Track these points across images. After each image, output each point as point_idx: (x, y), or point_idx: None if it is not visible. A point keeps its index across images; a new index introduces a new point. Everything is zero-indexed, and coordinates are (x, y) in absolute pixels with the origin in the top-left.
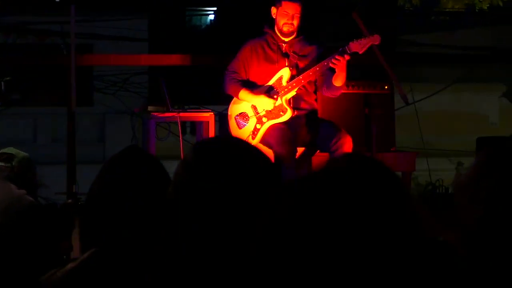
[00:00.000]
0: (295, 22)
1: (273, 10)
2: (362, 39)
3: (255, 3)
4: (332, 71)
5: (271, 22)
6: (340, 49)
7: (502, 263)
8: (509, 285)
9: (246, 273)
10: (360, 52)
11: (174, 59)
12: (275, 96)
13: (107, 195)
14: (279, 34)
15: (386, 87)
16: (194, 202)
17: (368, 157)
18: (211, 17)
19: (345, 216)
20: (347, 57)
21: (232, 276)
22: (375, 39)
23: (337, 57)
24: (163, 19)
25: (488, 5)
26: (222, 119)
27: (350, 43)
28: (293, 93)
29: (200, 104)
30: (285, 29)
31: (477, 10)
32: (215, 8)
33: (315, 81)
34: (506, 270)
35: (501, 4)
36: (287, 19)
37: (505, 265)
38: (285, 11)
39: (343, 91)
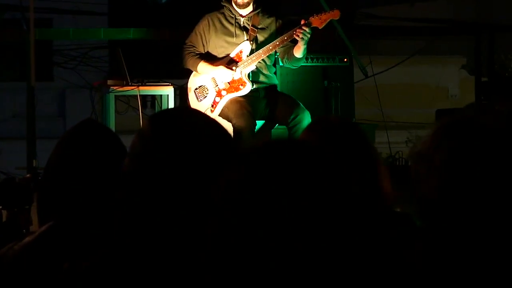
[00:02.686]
0: None
1: None
2: (322, 14)
3: None
4: (294, 42)
5: None
6: (303, 23)
7: (460, 232)
8: (466, 253)
9: (202, 246)
10: (320, 27)
11: (133, 33)
12: (234, 67)
13: (64, 168)
14: (235, 7)
15: (345, 59)
16: (149, 173)
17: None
18: None
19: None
20: (310, 30)
21: (188, 247)
22: (335, 14)
23: (302, 29)
24: None
25: None
26: (183, 93)
27: (310, 17)
28: (252, 66)
29: (161, 78)
30: (239, 1)
31: None
32: None
33: (275, 54)
34: (463, 239)
35: None
36: None
37: (462, 234)
38: None
39: (302, 64)
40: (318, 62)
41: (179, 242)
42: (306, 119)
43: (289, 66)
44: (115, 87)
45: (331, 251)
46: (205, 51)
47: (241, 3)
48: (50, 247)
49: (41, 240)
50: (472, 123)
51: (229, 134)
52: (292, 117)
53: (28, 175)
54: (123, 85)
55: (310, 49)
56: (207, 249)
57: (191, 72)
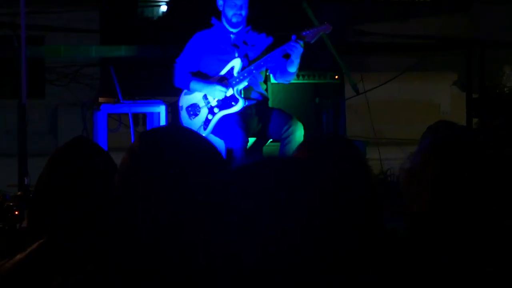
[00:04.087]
0: (243, 12)
1: (220, 2)
2: (313, 28)
3: None
4: (286, 57)
5: (218, 14)
6: (293, 37)
7: (449, 248)
8: (455, 269)
9: (194, 262)
10: (311, 42)
11: (125, 50)
12: (226, 84)
13: (54, 186)
14: (227, 25)
15: (336, 76)
16: (139, 191)
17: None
18: (163, 8)
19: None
20: (301, 45)
21: (178, 263)
22: (326, 28)
23: (293, 44)
24: (114, 10)
25: None
26: (175, 110)
27: (302, 32)
28: (244, 83)
29: (153, 95)
30: (234, 20)
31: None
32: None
33: (266, 70)
34: (452, 255)
35: None
36: (236, 10)
37: (451, 250)
38: (233, 2)
39: (293, 81)
40: (309, 79)
41: (169, 258)
42: (299, 130)
43: (281, 81)
44: (106, 105)
45: (322, 265)
46: (197, 68)
47: (235, 23)
48: (41, 264)
49: (33, 257)
50: (461, 139)
51: (220, 152)
52: (285, 128)
53: (19, 193)
54: (114, 103)
55: (301, 66)
56: (199, 268)
57: (182, 90)
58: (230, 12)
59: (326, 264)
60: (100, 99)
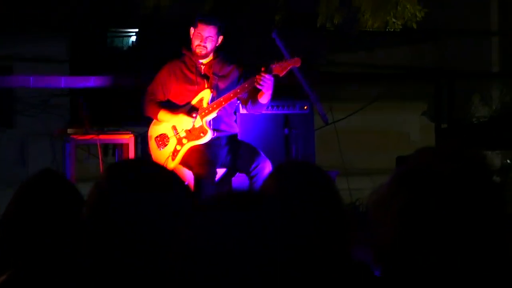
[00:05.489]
0: (208, 45)
1: (191, 30)
2: (283, 61)
3: (176, 25)
4: (256, 89)
5: (189, 43)
6: (263, 70)
7: (415, 278)
8: None
9: None
10: (281, 75)
11: (94, 81)
12: (194, 114)
13: (21, 218)
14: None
15: (305, 107)
16: (106, 224)
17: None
18: (133, 38)
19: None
20: (271, 77)
21: None
22: (296, 62)
23: (263, 76)
24: (84, 40)
25: (401, 27)
26: (144, 141)
27: (271, 65)
28: (213, 114)
29: (122, 125)
30: (197, 51)
31: (390, 30)
32: (137, 30)
33: (236, 102)
34: (419, 285)
35: (415, 26)
36: (200, 41)
37: (418, 280)
38: (199, 33)
39: (263, 112)
40: (278, 110)
41: None
42: (267, 168)
43: (252, 112)
44: (75, 135)
45: None
46: (166, 99)
47: (198, 54)
48: None
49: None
50: (428, 171)
51: (187, 185)
52: (253, 166)
53: None
54: (83, 133)
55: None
56: None
57: (152, 119)
58: (195, 43)
59: None
60: (69, 130)
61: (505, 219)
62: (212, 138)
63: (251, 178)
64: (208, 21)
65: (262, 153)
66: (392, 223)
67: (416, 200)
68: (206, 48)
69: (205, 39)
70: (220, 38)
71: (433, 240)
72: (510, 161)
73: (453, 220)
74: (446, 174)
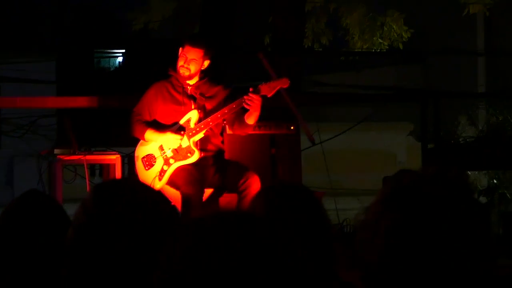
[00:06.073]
0: (192, 68)
1: (180, 51)
2: (271, 82)
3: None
4: (244, 109)
5: (176, 64)
6: (250, 91)
7: None
8: None
9: None
10: (269, 96)
11: (80, 101)
12: (182, 132)
13: (7, 239)
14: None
15: (292, 127)
16: (92, 245)
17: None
18: (120, 59)
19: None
20: (259, 97)
21: None
22: (284, 82)
23: (250, 98)
24: (71, 61)
25: (387, 47)
26: (131, 161)
27: (260, 86)
28: (201, 135)
29: (109, 146)
30: (180, 71)
31: (376, 50)
32: (123, 50)
33: (222, 122)
34: None
35: (401, 47)
36: (184, 62)
37: None
38: (185, 54)
39: (249, 132)
40: (265, 130)
41: None
42: (255, 183)
43: (239, 132)
44: (62, 156)
45: None
46: (152, 119)
47: (181, 75)
48: None
49: None
50: (413, 192)
51: (173, 206)
52: (242, 182)
53: None
54: (70, 154)
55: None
56: None
57: (139, 140)
58: (179, 63)
59: None
60: (56, 150)
61: (489, 238)
62: (199, 158)
63: (240, 193)
64: (194, 43)
65: (249, 168)
66: (379, 243)
67: (403, 221)
68: (189, 70)
69: (189, 61)
70: (207, 62)
71: (419, 260)
72: (496, 181)
73: (438, 241)
74: (430, 195)
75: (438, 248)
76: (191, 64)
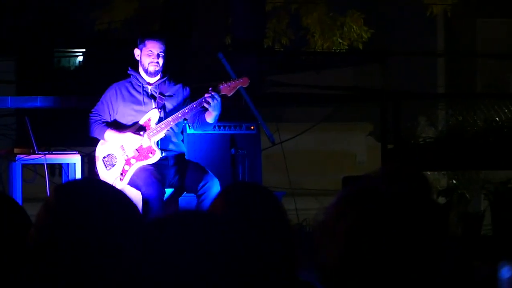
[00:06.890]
0: (161, 61)
1: (137, 52)
2: (231, 81)
3: (123, 46)
4: (204, 109)
5: (135, 64)
6: (210, 90)
7: None
8: None
9: None
10: (229, 95)
11: (40, 101)
12: (142, 133)
13: None
14: (144, 75)
15: (252, 127)
16: (55, 245)
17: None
18: (80, 58)
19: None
20: (219, 97)
21: None
22: (244, 82)
23: (211, 96)
24: (30, 61)
25: (347, 47)
26: (91, 161)
27: (219, 85)
28: (161, 134)
29: (69, 146)
30: (151, 68)
31: (336, 50)
32: (83, 50)
33: (183, 121)
34: None
35: (361, 47)
36: (152, 58)
37: None
38: (150, 51)
39: (209, 132)
40: (225, 130)
41: None
42: (215, 186)
43: (199, 131)
44: (21, 155)
45: None
46: (112, 119)
47: (152, 71)
48: None
49: None
50: (374, 192)
51: (135, 205)
52: (201, 184)
53: None
54: (30, 153)
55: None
56: None
57: (99, 140)
58: (147, 61)
59: None
60: (16, 150)
61: (446, 238)
62: (160, 158)
63: (198, 196)
64: (157, 37)
65: (210, 172)
66: (338, 243)
67: (362, 221)
68: (159, 64)
69: (156, 56)
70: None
71: (378, 260)
72: (455, 181)
73: (397, 241)
74: (389, 195)
75: (397, 249)
76: (159, 58)
